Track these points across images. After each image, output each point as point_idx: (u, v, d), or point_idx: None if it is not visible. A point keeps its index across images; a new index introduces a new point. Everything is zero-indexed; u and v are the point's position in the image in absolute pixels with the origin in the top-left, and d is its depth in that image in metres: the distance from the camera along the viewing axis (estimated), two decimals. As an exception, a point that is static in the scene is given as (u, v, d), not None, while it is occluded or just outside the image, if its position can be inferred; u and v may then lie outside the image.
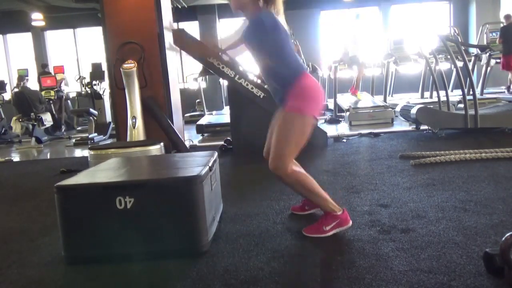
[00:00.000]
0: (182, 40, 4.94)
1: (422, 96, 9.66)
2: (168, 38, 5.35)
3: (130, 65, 5.01)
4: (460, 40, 9.80)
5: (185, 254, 2.08)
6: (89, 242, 2.10)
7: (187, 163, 2.61)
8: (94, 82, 8.50)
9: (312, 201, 2.40)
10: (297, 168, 2.32)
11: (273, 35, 2.24)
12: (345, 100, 8.74)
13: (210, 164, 2.38)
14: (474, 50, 9.59)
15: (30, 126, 8.23)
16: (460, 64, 5.94)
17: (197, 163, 2.41)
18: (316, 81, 2.41)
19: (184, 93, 7.80)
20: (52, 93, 9.22)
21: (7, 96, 10.41)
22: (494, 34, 10.06)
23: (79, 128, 10.13)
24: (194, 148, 5.83)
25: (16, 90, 9.24)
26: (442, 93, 6.15)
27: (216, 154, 2.72)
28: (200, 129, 7.22)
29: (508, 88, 9.17)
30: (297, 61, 2.34)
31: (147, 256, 2.07)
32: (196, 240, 2.10)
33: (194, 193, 2.09)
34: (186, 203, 2.09)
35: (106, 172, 2.49)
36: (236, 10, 2.37)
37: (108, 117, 8.20)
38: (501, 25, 9.40)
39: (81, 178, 2.32)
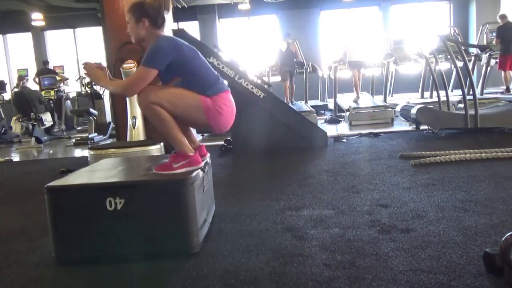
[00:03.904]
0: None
1: (422, 96, 9.66)
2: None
3: (130, 65, 5.01)
4: (460, 40, 9.81)
5: (175, 255, 2.08)
6: (79, 243, 2.09)
7: None
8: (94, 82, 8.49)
9: (166, 138, 2.39)
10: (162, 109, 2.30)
11: (178, 57, 2.28)
12: (345, 100, 8.75)
13: (202, 166, 2.38)
14: (474, 50, 9.59)
15: (30, 126, 8.24)
16: (460, 64, 5.94)
17: None
18: (229, 105, 2.41)
19: (184, 93, 7.79)
20: (52, 93, 9.23)
21: (7, 96, 10.42)
22: (494, 34, 10.06)
23: (79, 128, 10.14)
24: (194, 148, 5.82)
25: (16, 90, 9.25)
26: (442, 93, 6.15)
27: (208, 155, 2.72)
28: (200, 129, 7.22)
29: (507, 89, 9.16)
30: (209, 82, 2.36)
31: (137, 257, 2.07)
32: (186, 242, 2.09)
33: (185, 195, 2.08)
34: (177, 205, 2.08)
35: (98, 172, 2.49)
36: (137, 42, 2.44)
37: (108, 117, 8.21)
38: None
39: (72, 179, 2.32)
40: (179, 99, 2.31)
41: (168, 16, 2.39)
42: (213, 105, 2.34)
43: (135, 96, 2.36)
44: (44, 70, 10.56)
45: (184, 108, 2.32)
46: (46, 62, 11.42)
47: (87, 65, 2.40)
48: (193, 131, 2.78)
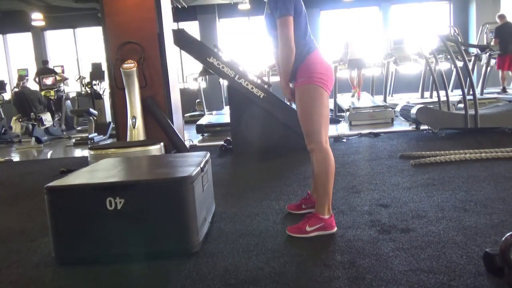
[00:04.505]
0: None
1: (422, 96, 9.66)
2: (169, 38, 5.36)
3: (130, 65, 5.01)
4: (460, 40, 9.80)
5: (176, 255, 2.08)
6: (79, 243, 2.10)
7: (179, 163, 2.61)
8: (94, 82, 8.50)
9: (316, 190, 2.38)
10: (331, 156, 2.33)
11: (295, 7, 2.25)
12: (345, 100, 8.75)
13: (201, 165, 2.38)
14: (474, 50, 9.59)
15: (30, 126, 8.24)
16: (460, 64, 5.94)
17: (189, 164, 2.41)
18: (324, 58, 2.38)
19: (184, 93, 7.81)
20: (52, 93, 9.23)
21: (7, 96, 10.41)
22: (493, 34, 10.06)
23: (79, 128, 10.13)
24: (194, 148, 5.83)
25: (16, 90, 9.24)
26: (442, 93, 6.15)
27: (208, 154, 2.72)
28: (200, 129, 7.23)
29: (504, 89, 9.17)
30: (310, 37, 2.35)
31: (137, 257, 2.07)
32: (187, 241, 2.10)
33: (184, 194, 2.09)
34: (176, 204, 2.09)
35: (98, 172, 2.49)
36: None
37: (108, 117, 8.21)
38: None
39: (72, 179, 2.32)
40: (312, 109, 2.30)
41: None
42: (312, 74, 2.29)
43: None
44: (44, 70, 10.55)
45: (320, 106, 2.30)
46: (45, 62, 11.41)
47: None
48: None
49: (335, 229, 2.30)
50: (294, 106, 2.53)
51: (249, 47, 13.14)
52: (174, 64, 5.90)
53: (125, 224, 2.06)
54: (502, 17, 8.96)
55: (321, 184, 2.31)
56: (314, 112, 2.29)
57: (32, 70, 12.00)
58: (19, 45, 13.84)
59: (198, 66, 9.41)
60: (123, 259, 2.08)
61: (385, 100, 8.54)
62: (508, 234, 1.64)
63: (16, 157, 6.67)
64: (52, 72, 10.36)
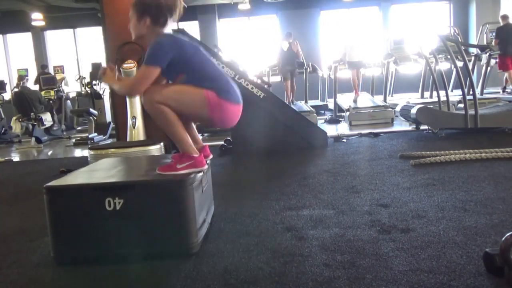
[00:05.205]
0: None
1: (422, 96, 9.67)
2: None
3: (130, 65, 5.01)
4: (460, 40, 9.81)
5: (174, 256, 2.08)
6: (78, 243, 2.09)
7: None
8: (94, 82, 8.51)
9: (171, 139, 2.38)
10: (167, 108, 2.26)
11: (179, 54, 2.25)
12: (345, 100, 8.75)
13: (205, 168, 2.37)
14: (474, 50, 9.60)
15: (30, 126, 8.25)
16: (460, 64, 5.94)
17: None
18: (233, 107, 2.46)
19: (184, 93, 7.79)
20: (52, 93, 9.24)
21: (7, 96, 10.42)
22: (494, 34, 10.07)
23: (79, 128, 10.14)
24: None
25: (16, 90, 9.25)
26: (442, 93, 6.15)
27: (211, 156, 2.72)
28: (200, 129, 7.23)
29: (503, 89, 9.19)
30: (212, 77, 2.39)
31: (136, 257, 2.07)
32: (185, 242, 2.09)
33: (184, 196, 2.08)
34: (176, 205, 2.08)
35: (97, 172, 2.49)
36: (137, 39, 2.42)
37: (108, 117, 8.21)
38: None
39: (71, 179, 2.31)
40: (184, 96, 2.28)
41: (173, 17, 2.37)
42: (218, 100, 2.33)
43: (137, 97, 2.34)
44: (42, 74, 10.58)
45: (189, 104, 2.29)
46: (44, 66, 11.44)
47: (102, 69, 2.41)
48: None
49: (206, 166, 2.32)
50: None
51: (249, 47, 13.14)
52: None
53: (124, 224, 2.06)
54: (504, 17, 8.96)
55: (169, 133, 2.29)
56: (181, 94, 2.28)
57: (32, 70, 12.01)
58: (19, 45, 13.86)
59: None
60: (123, 259, 2.08)
61: (385, 100, 8.54)
62: (508, 234, 1.64)
63: (16, 157, 6.67)
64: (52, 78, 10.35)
